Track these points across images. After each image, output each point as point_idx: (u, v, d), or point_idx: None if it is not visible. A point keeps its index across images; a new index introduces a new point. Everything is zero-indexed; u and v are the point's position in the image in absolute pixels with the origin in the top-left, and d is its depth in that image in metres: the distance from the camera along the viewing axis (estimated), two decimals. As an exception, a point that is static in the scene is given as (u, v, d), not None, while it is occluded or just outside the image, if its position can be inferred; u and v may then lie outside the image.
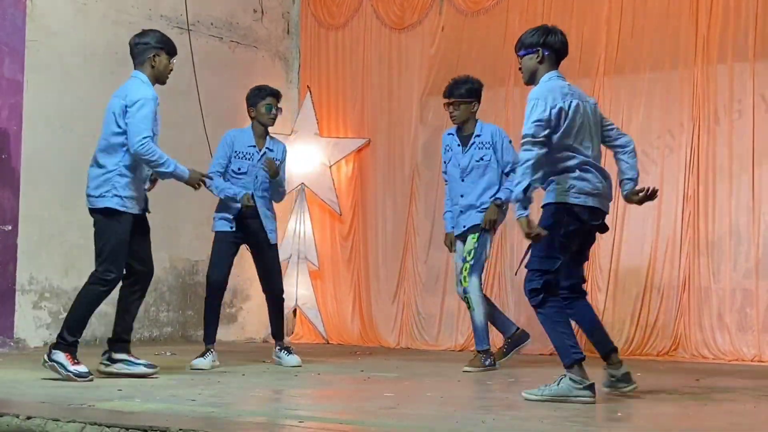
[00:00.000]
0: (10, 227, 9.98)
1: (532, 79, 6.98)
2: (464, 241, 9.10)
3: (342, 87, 12.78)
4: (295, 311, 12.63)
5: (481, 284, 9.05)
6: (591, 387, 6.48)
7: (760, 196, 10.10)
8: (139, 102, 7.43)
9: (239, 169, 8.89)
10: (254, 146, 9.00)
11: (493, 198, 9.00)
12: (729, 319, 10.14)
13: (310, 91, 12.75)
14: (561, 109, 6.71)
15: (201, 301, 11.26)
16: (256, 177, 8.96)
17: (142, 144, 7.36)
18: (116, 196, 7.44)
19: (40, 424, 5.12)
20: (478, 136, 9.12)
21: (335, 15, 12.89)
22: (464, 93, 9.11)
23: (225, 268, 8.97)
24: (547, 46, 6.90)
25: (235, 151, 8.93)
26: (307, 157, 12.51)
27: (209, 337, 8.83)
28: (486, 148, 9.07)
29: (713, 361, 9.98)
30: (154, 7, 11.48)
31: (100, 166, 7.54)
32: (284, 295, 9.45)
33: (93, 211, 7.54)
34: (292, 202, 12.55)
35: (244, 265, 12.23)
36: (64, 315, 10.37)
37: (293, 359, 9.01)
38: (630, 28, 10.83)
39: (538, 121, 6.68)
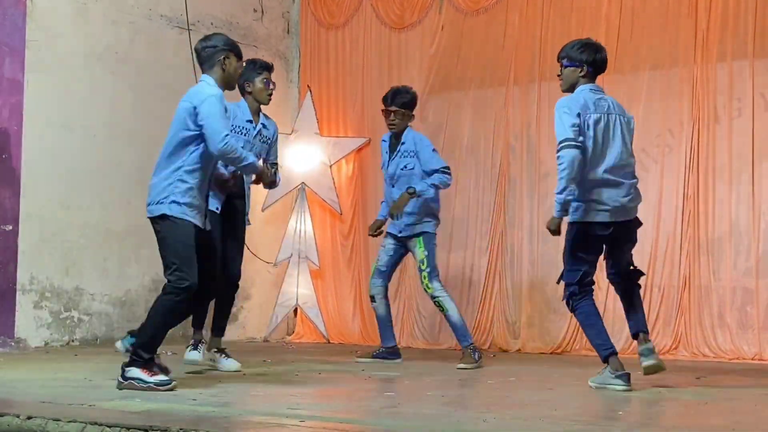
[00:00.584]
0: (10, 227, 9.98)
1: (571, 89, 7.39)
2: (399, 241, 9.40)
3: (342, 86, 12.79)
4: (296, 310, 12.64)
5: (441, 284, 9.29)
6: (623, 376, 7.02)
7: (760, 195, 10.10)
8: (207, 101, 7.03)
9: None
10: (251, 121, 8.58)
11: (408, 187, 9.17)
12: (729, 318, 10.13)
13: (311, 91, 12.75)
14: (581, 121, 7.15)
15: (201, 301, 11.26)
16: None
17: (225, 142, 6.94)
18: (174, 202, 6.98)
19: (41, 423, 5.12)
20: (403, 144, 9.29)
21: (335, 14, 12.89)
22: (407, 102, 9.31)
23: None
24: (592, 64, 7.34)
25: (233, 126, 8.36)
26: (308, 156, 12.51)
27: (199, 325, 8.56)
28: (410, 156, 9.26)
29: (714, 359, 9.98)
30: (155, 6, 11.48)
31: (161, 172, 7.08)
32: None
33: (153, 221, 7.11)
34: (293, 201, 12.56)
35: (246, 263, 12.25)
36: (65, 315, 10.45)
37: (233, 364, 8.43)
38: (629, 27, 10.83)
39: (574, 125, 7.07)
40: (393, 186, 9.33)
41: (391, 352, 9.50)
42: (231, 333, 12.07)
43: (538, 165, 11.17)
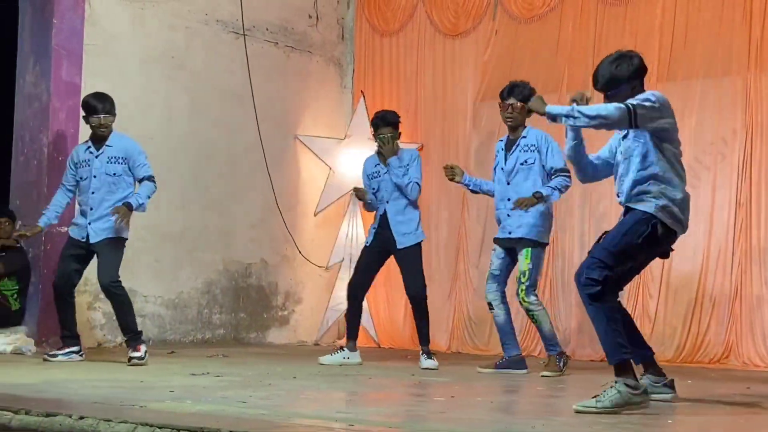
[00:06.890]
0: (66, 229, 10.07)
1: None
2: (506, 248, 9.19)
3: (396, 92, 12.83)
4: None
5: (537, 297, 9.11)
6: (646, 391, 6.39)
7: (814, 204, 10.06)
8: None
9: None
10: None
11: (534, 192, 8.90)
12: (781, 328, 10.10)
13: (364, 96, 12.80)
14: None
15: (254, 304, 11.34)
16: None
17: None
18: None
19: (92, 424, 5.16)
20: (524, 137, 9.12)
21: (390, 21, 12.95)
22: (526, 96, 8.93)
23: None
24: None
25: None
26: (361, 161, 12.50)
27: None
28: (531, 151, 9.06)
29: (765, 369, 9.92)
30: (211, 12, 11.58)
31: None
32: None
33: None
34: (345, 205, 12.59)
35: (297, 267, 12.32)
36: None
37: (431, 362, 9.44)
38: (683, 35, 10.79)
39: None
40: (508, 183, 9.11)
41: (516, 362, 9.17)
42: (282, 336, 12.18)
43: (591, 172, 11.13)
